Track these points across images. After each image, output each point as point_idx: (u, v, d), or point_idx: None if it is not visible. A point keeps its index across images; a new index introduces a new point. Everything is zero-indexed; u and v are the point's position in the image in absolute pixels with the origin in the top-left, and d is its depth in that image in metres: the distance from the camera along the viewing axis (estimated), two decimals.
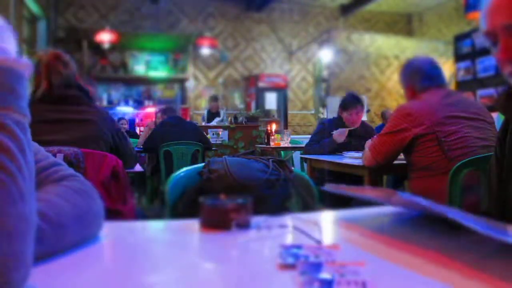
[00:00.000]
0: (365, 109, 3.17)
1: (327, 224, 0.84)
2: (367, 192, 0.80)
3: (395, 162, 2.11)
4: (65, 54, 1.79)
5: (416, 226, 0.79)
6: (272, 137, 4.42)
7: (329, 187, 0.86)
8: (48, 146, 1.46)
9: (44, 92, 1.67)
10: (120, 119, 5.63)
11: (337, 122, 3.15)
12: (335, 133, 2.99)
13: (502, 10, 0.77)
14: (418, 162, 1.93)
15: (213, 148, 4.34)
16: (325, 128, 3.15)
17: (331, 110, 6.70)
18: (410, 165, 2.00)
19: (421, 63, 2.08)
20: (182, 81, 7.79)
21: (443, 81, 2.03)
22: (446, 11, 8.07)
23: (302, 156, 3.12)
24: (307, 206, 1.25)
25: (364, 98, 6.63)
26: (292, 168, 1.34)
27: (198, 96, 7.95)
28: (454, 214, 0.65)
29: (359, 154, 2.56)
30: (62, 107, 1.65)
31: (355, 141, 3.04)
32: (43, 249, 0.53)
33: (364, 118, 4.52)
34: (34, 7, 5.79)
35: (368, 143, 2.13)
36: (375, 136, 2.11)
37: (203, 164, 1.31)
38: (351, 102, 3.08)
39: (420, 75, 2.02)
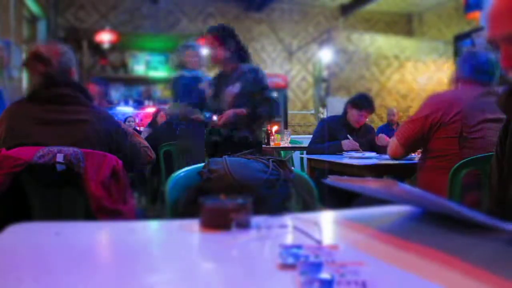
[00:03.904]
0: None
1: (327, 224, 0.84)
2: (368, 183, 0.80)
3: (396, 162, 2.12)
4: (50, 49, 1.67)
5: (417, 226, 0.79)
6: (272, 137, 4.42)
7: (331, 179, 0.86)
8: (47, 146, 1.46)
9: (31, 91, 1.63)
10: (127, 117, 5.67)
11: (341, 121, 3.16)
12: (346, 142, 2.98)
13: (501, 19, 0.77)
14: (434, 149, 1.92)
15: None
16: (326, 126, 3.16)
17: (331, 110, 6.69)
18: (425, 151, 1.98)
19: (486, 58, 2.02)
20: None
21: (491, 79, 1.99)
22: (446, 11, 8.07)
23: (307, 156, 3.11)
24: (307, 206, 1.25)
25: None
26: (292, 168, 1.34)
27: None
28: (454, 206, 0.66)
29: (359, 154, 2.57)
30: (53, 107, 1.58)
31: (356, 139, 3.04)
32: None
33: None
34: (34, 7, 5.79)
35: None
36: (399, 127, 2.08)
37: (203, 164, 1.31)
38: (365, 104, 3.10)
39: (480, 70, 1.97)
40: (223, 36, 2.73)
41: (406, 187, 0.67)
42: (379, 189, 0.77)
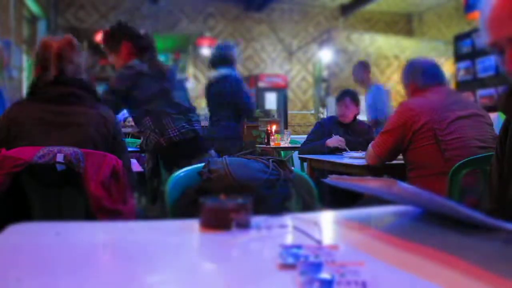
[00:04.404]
0: (359, 104, 3.25)
1: (327, 224, 0.84)
2: (368, 182, 0.80)
3: (395, 162, 2.13)
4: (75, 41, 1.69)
5: (417, 226, 0.79)
6: (272, 137, 4.41)
7: (332, 178, 0.87)
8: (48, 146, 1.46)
9: (36, 89, 1.60)
10: (127, 117, 5.64)
11: (334, 119, 3.25)
12: (332, 139, 3.02)
13: (504, 22, 0.76)
14: (415, 160, 1.95)
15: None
16: (322, 127, 3.23)
17: (331, 110, 6.69)
18: (407, 163, 2.02)
19: (423, 62, 2.14)
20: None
21: (443, 80, 2.07)
22: (446, 11, 8.07)
23: (300, 156, 3.14)
24: (307, 206, 1.25)
25: (363, 98, 6.61)
26: (292, 168, 1.34)
27: (198, 96, 7.95)
28: (453, 205, 0.66)
29: (359, 154, 2.56)
30: (56, 108, 1.56)
31: (352, 138, 3.06)
32: None
33: (364, 118, 4.54)
34: (34, 7, 5.79)
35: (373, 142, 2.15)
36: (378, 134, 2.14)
37: (203, 164, 1.31)
38: (340, 95, 3.24)
39: (421, 73, 2.06)
40: (110, 44, 2.45)
41: (405, 186, 0.67)
42: (379, 188, 0.77)
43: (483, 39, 0.81)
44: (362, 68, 4.52)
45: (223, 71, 3.32)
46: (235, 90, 3.28)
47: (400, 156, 2.09)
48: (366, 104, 4.17)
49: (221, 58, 3.38)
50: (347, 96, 3.19)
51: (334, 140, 3.01)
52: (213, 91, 3.39)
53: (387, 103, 4.16)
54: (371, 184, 0.79)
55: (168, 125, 2.33)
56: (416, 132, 1.89)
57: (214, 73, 3.38)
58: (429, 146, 1.87)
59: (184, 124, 2.37)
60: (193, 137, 2.39)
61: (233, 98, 3.28)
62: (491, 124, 1.98)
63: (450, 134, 1.86)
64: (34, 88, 1.62)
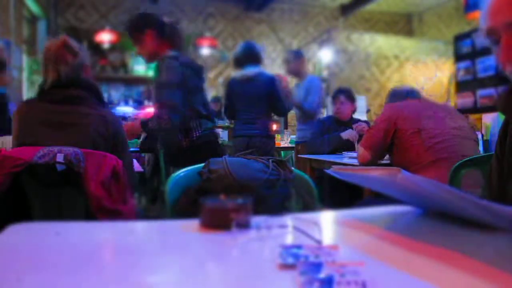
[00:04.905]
0: (355, 101, 3.32)
1: (327, 224, 0.84)
2: (371, 171, 0.79)
3: (387, 162, 2.18)
4: (75, 42, 1.70)
5: (417, 226, 0.79)
6: None
7: (334, 169, 0.86)
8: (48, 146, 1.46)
9: (44, 90, 1.63)
10: (127, 117, 5.65)
11: (332, 118, 3.31)
12: (347, 132, 3.09)
13: (503, 9, 0.78)
14: (401, 157, 2.09)
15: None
16: (323, 125, 3.27)
17: (331, 110, 6.69)
18: (394, 165, 2.14)
19: (403, 89, 2.58)
20: None
21: (419, 97, 2.44)
22: (446, 11, 8.07)
23: (306, 156, 3.13)
24: (307, 206, 1.25)
25: (363, 98, 6.62)
26: (292, 168, 1.34)
27: None
28: (460, 193, 0.65)
29: None
30: (62, 108, 1.58)
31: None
32: None
33: (364, 117, 4.54)
34: (34, 7, 5.79)
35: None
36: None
37: (203, 164, 1.31)
38: (335, 93, 3.38)
39: (401, 95, 2.43)
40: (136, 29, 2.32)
41: (409, 174, 0.66)
42: (382, 178, 0.76)
43: (482, 29, 0.83)
44: (297, 58, 4.21)
45: (253, 69, 3.18)
46: (273, 89, 3.17)
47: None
48: (298, 96, 4.03)
49: (250, 57, 3.23)
50: (341, 94, 3.28)
51: (348, 133, 3.06)
52: (244, 89, 3.20)
53: (318, 95, 3.92)
54: (374, 173, 0.77)
55: (195, 127, 2.23)
56: (399, 127, 2.08)
57: (243, 72, 3.22)
58: (411, 137, 2.02)
59: (209, 127, 2.28)
60: (213, 142, 2.31)
61: (270, 97, 3.16)
62: (467, 121, 2.24)
63: (430, 124, 2.05)
64: (40, 89, 1.66)
